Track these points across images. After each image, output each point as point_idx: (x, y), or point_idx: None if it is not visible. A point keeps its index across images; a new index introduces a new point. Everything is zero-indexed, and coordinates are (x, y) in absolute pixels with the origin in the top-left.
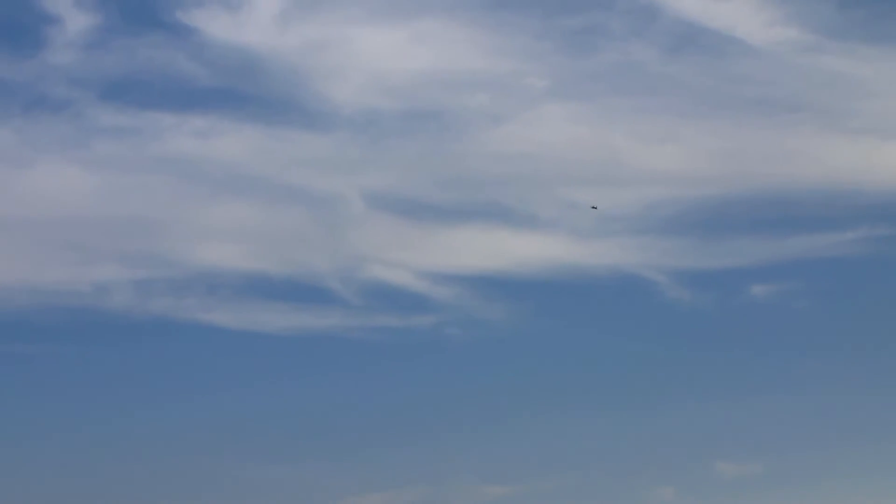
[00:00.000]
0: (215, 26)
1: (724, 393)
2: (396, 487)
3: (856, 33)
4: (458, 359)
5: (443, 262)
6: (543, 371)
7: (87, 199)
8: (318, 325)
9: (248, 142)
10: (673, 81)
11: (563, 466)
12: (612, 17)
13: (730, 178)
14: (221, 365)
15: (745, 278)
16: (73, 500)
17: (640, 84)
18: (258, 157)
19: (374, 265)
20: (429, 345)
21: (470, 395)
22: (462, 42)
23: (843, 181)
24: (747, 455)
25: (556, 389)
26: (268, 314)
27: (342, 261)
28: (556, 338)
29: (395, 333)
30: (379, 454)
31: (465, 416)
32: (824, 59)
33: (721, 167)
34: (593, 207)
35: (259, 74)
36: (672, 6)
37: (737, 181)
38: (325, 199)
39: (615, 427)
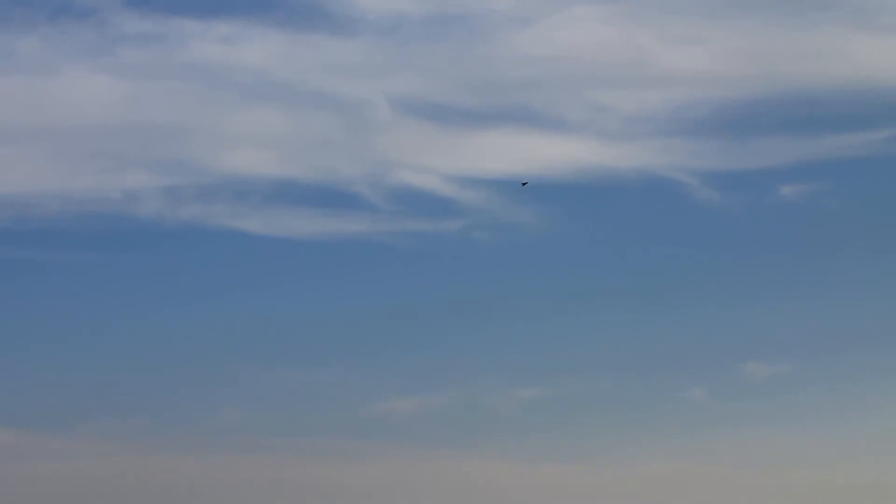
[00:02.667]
0: None
1: (754, 294)
2: (429, 391)
3: None
4: (486, 262)
5: (470, 166)
6: (572, 274)
7: (114, 106)
8: (346, 230)
9: (275, 47)
10: None
11: (594, 369)
12: None
13: (758, 78)
14: (251, 271)
15: (774, 179)
16: (106, 400)
17: None
18: (284, 62)
19: (402, 170)
20: (457, 249)
21: (499, 299)
22: None
23: (872, 79)
24: (777, 356)
25: (585, 292)
26: (296, 220)
27: (370, 166)
28: (585, 241)
29: (423, 238)
30: (410, 358)
31: (494, 320)
32: None
33: (749, 67)
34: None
35: None
36: None
37: (765, 81)
38: (352, 105)
39: (646, 329)
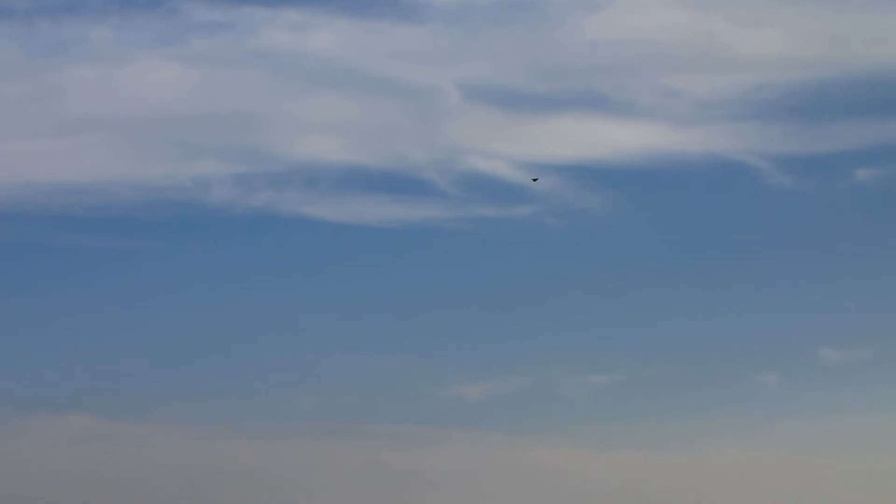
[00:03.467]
0: None
1: (828, 279)
2: (499, 377)
3: None
4: (555, 248)
5: (540, 151)
6: (642, 259)
7: (185, 95)
8: (416, 216)
9: (343, 34)
10: None
11: (665, 355)
12: None
13: (831, 61)
14: (321, 257)
15: (849, 162)
16: (179, 385)
17: None
18: (353, 49)
19: (472, 156)
20: (527, 235)
21: (568, 285)
22: None
23: None
24: (851, 341)
25: (656, 278)
26: (366, 206)
27: (439, 152)
28: (655, 226)
29: (492, 224)
30: (480, 344)
31: (564, 306)
32: None
33: (822, 49)
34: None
35: None
36: None
37: (838, 63)
38: (421, 91)
39: (718, 314)
